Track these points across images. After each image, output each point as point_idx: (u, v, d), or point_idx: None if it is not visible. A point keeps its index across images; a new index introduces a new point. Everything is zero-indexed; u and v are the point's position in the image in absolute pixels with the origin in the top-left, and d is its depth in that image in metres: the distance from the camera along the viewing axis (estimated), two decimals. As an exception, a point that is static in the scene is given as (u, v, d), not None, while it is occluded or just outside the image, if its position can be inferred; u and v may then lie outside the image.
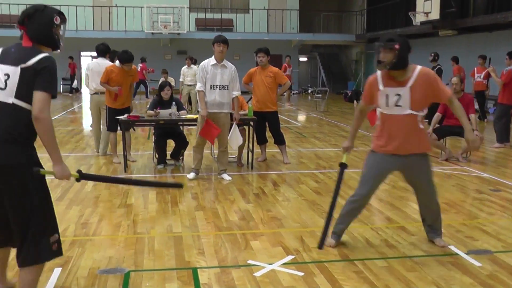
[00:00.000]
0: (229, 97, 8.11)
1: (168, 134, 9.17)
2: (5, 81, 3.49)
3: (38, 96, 3.42)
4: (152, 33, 28.29)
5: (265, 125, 9.56)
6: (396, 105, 4.83)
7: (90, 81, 10.07)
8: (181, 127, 9.56)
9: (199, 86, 8.08)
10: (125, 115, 8.80)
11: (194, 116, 8.89)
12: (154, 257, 4.99)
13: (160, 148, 9.11)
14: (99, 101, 9.88)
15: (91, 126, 10.87)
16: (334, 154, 10.62)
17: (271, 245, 5.31)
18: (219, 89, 8.01)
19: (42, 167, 3.65)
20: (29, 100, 3.45)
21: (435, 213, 5.31)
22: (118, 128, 9.14)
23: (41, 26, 3.62)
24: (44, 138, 3.49)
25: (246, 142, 9.24)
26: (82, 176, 3.85)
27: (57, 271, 4.65)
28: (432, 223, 5.37)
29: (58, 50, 3.77)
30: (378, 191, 7.66)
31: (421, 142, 4.95)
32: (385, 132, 4.98)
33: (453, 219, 6.27)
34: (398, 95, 4.80)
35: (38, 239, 3.63)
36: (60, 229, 5.69)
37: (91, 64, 10.24)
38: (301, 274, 4.59)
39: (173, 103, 9.01)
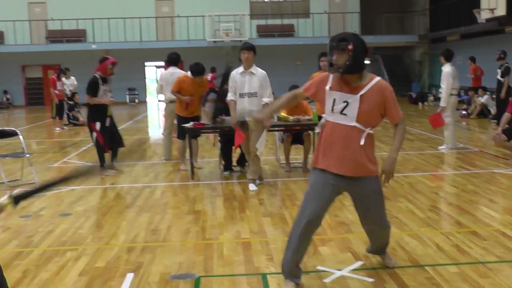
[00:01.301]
0: (259, 104, 7.93)
1: (233, 141, 9.25)
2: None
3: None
4: (214, 41, 28.63)
5: None
6: (342, 113, 4.19)
7: (164, 91, 10.32)
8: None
9: (229, 96, 8.07)
10: (191, 123, 8.95)
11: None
12: (223, 263, 5.05)
13: (225, 155, 9.22)
14: (173, 109, 10.09)
15: (162, 134, 11.12)
16: (400, 158, 10.46)
17: (339, 251, 5.29)
18: (248, 97, 7.92)
19: None
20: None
21: (382, 245, 4.77)
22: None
23: None
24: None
25: (311, 147, 9.22)
26: (16, 200, 3.24)
27: (130, 276, 4.79)
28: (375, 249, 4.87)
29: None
30: (447, 194, 7.57)
31: (359, 164, 4.21)
32: (323, 144, 4.32)
33: (527, 223, 6.09)
34: (346, 102, 4.17)
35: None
36: (131, 236, 5.92)
37: (164, 74, 10.50)
38: (371, 280, 4.56)
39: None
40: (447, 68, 10.96)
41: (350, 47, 4.11)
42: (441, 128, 11.42)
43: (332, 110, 4.21)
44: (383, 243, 4.75)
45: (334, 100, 4.20)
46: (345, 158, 4.19)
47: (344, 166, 4.20)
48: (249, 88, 7.90)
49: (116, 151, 9.49)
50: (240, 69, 7.99)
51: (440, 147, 11.26)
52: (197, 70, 9.23)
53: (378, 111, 4.23)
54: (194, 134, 9.14)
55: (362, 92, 4.14)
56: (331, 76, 4.27)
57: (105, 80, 9.21)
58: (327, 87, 4.25)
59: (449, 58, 11.06)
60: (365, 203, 4.44)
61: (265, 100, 7.96)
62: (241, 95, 7.93)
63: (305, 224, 4.28)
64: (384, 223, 4.62)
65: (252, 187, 8.09)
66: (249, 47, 7.89)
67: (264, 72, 8.06)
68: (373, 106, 4.17)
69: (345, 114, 4.16)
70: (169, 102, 10.25)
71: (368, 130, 4.20)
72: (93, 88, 9.10)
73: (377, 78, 4.25)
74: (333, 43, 4.16)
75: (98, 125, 9.13)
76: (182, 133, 9.47)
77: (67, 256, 5.34)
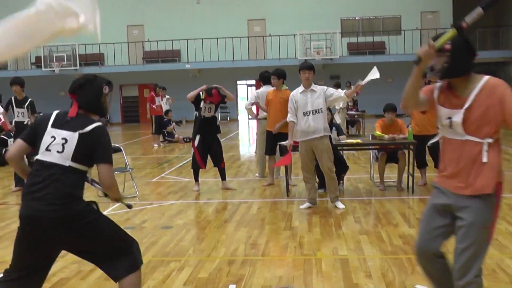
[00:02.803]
0: (324, 121, 8.03)
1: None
2: (63, 145, 3.71)
3: (104, 168, 3.72)
4: (305, 60, 28.83)
5: (425, 149, 9.45)
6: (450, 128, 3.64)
7: (259, 108, 10.67)
8: (341, 152, 9.70)
9: (288, 117, 8.22)
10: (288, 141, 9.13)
11: (355, 141, 9.03)
12: (322, 278, 5.16)
13: (320, 172, 9.30)
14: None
15: (255, 152, 11.44)
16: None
17: (438, 270, 5.27)
18: (313, 114, 7.97)
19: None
20: (85, 163, 3.73)
21: None
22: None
23: (92, 96, 3.86)
24: (111, 191, 3.86)
25: (406, 166, 9.18)
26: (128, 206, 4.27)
27: (232, 287, 4.97)
28: None
29: (105, 117, 4.03)
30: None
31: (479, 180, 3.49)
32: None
33: None
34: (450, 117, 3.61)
35: (123, 256, 3.80)
36: (231, 249, 6.13)
37: (259, 92, 10.81)
38: (473, 299, 4.53)
39: (333, 128, 9.21)
40: None
41: (447, 47, 3.56)
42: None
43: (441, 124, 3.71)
44: None
45: (440, 115, 3.71)
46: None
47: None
48: (313, 106, 7.99)
49: (221, 169, 9.81)
50: (300, 88, 8.14)
51: None
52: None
53: (493, 116, 3.44)
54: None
55: (467, 104, 3.48)
56: (436, 85, 3.77)
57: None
58: (435, 97, 3.77)
59: None
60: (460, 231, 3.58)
61: (340, 92, 8.36)
62: (305, 114, 8.01)
63: (415, 252, 3.84)
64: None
65: (340, 205, 8.12)
66: (309, 67, 8.09)
67: (322, 86, 8.26)
68: (484, 112, 3.45)
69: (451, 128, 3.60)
70: (263, 119, 10.50)
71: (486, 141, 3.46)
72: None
73: (486, 78, 3.52)
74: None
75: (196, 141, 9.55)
76: (271, 149, 9.74)
77: (171, 266, 5.60)
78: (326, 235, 6.68)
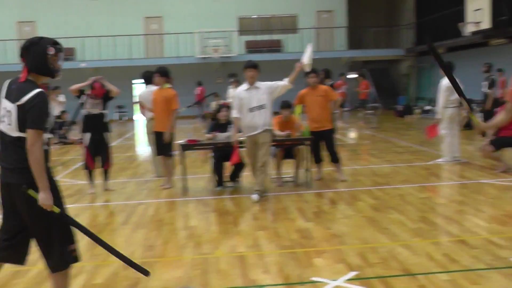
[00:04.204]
0: (269, 115, 8.42)
1: (226, 156, 9.38)
2: (9, 117, 3.90)
3: (29, 134, 3.81)
4: (203, 58, 28.83)
5: (320, 144, 9.69)
6: None
7: (145, 109, 10.42)
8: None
9: (234, 113, 8.52)
10: (185, 139, 9.08)
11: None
12: (221, 276, 5.16)
13: (218, 170, 9.33)
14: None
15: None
16: (390, 170, 10.63)
17: (333, 262, 5.41)
18: (258, 109, 8.33)
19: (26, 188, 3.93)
20: None
21: None
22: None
23: (37, 58, 3.93)
24: (33, 168, 3.84)
25: (304, 161, 9.36)
26: (61, 216, 4.10)
27: (129, 292, 4.88)
28: None
29: (56, 78, 4.06)
30: (436, 205, 7.73)
31: None
32: None
33: (515, 231, 6.25)
34: None
35: (62, 248, 4.07)
36: (128, 252, 5.98)
37: (142, 93, 10.61)
38: (365, 289, 4.69)
39: (231, 125, 9.24)
40: (445, 81, 11.06)
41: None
42: (436, 140, 11.64)
43: None
44: None
45: None
46: None
47: None
48: (258, 101, 8.34)
49: (105, 171, 9.54)
50: (245, 86, 8.47)
51: (438, 160, 11.36)
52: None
53: None
54: (186, 150, 9.24)
55: None
56: None
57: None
58: None
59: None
60: None
61: (284, 82, 8.51)
62: (251, 110, 8.33)
63: None
64: None
65: (255, 197, 8.32)
66: (253, 65, 8.46)
67: (265, 82, 8.53)
68: None
69: None
70: (151, 119, 10.32)
71: None
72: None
73: None
74: None
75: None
76: (161, 150, 9.65)
77: (65, 273, 5.41)
78: (224, 233, 6.69)
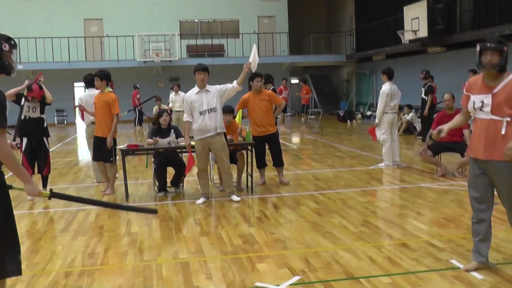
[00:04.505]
0: (220, 118, 8.43)
1: (168, 161, 9.29)
2: None
3: None
4: (144, 61, 28.52)
5: (265, 149, 9.72)
6: (481, 110, 4.85)
7: (85, 113, 10.15)
8: (180, 154, 9.67)
9: (185, 117, 8.49)
10: (125, 144, 8.92)
11: (193, 143, 9.02)
12: (163, 283, 5.08)
13: (160, 175, 9.21)
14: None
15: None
16: (331, 175, 10.75)
17: (276, 267, 5.41)
18: (208, 112, 8.32)
19: (10, 186, 3.94)
20: None
21: None
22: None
23: None
24: (7, 166, 3.77)
25: (245, 166, 9.35)
26: (53, 195, 4.15)
27: (69, 301, 4.74)
28: None
29: (12, 75, 3.97)
30: (377, 209, 7.85)
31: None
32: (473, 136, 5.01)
33: (453, 234, 6.39)
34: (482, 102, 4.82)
35: (4, 255, 3.86)
36: (68, 260, 5.85)
37: (83, 97, 10.35)
38: (309, 294, 4.69)
39: (172, 130, 9.15)
40: (385, 87, 11.26)
41: (505, 48, 4.70)
42: (376, 144, 11.84)
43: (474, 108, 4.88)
44: None
45: (474, 102, 4.89)
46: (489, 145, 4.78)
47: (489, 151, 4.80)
48: (208, 105, 8.34)
49: (44, 177, 9.30)
50: (195, 89, 8.44)
51: (379, 164, 11.55)
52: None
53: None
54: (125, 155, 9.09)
55: (495, 90, 4.73)
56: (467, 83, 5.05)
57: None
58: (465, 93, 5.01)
59: (390, 76, 11.35)
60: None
61: (234, 84, 8.51)
62: (202, 113, 8.32)
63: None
64: None
65: (235, 197, 8.50)
66: (204, 68, 8.44)
67: (215, 86, 8.52)
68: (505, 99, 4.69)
69: (482, 110, 4.81)
70: (91, 123, 10.12)
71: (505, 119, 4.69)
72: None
73: None
74: (491, 45, 4.71)
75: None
76: (98, 155, 9.44)
77: (1, 283, 5.22)
78: (167, 239, 6.60)
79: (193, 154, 8.58)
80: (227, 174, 8.58)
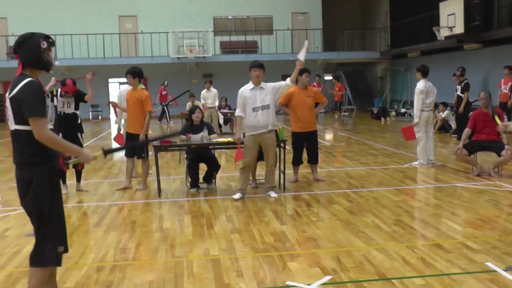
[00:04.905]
0: (273, 116, 8.49)
1: (200, 157, 9.30)
2: (8, 111, 4.01)
3: (32, 123, 3.88)
4: (178, 58, 28.64)
5: (303, 146, 9.71)
6: None
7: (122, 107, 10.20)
8: (213, 151, 9.68)
9: (237, 112, 8.51)
10: (158, 140, 8.96)
11: (225, 140, 9.03)
12: (194, 280, 5.08)
13: (193, 172, 9.23)
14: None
15: None
16: (365, 173, 10.64)
17: (308, 266, 5.36)
18: (261, 109, 8.38)
19: (66, 163, 4.28)
20: (26, 122, 3.90)
21: None
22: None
23: (31, 52, 4.01)
24: (54, 147, 4.03)
25: (278, 163, 9.30)
26: (105, 152, 4.47)
27: (100, 296, 4.77)
28: None
29: (51, 71, 4.18)
30: (411, 208, 7.74)
31: None
32: None
33: (488, 235, 6.26)
34: None
35: (44, 245, 4.09)
36: (100, 255, 5.90)
37: (121, 90, 10.43)
38: (340, 294, 4.64)
39: (205, 127, 9.16)
40: (420, 84, 11.11)
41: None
42: (410, 142, 11.70)
43: None
44: None
45: None
46: None
47: None
48: (262, 102, 8.40)
49: (78, 171, 9.39)
50: (250, 85, 8.49)
51: (413, 163, 11.40)
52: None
53: None
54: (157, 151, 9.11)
55: None
56: None
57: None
58: None
59: (425, 74, 11.20)
60: None
61: (287, 82, 8.58)
62: (255, 109, 8.38)
63: None
64: None
65: (273, 194, 8.63)
66: (260, 65, 8.47)
67: (270, 83, 8.62)
68: None
69: None
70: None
71: None
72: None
73: None
74: None
75: None
76: (129, 151, 9.55)
77: (35, 277, 5.28)
78: (198, 235, 6.60)
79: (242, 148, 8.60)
80: (271, 171, 8.67)
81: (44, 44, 4.03)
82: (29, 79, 3.94)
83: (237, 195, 8.52)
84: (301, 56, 8.64)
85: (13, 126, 3.98)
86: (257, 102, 8.37)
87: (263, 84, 8.49)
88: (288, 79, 8.57)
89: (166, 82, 24.29)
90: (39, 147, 3.94)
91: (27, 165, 3.97)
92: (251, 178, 9.49)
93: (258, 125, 8.37)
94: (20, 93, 3.89)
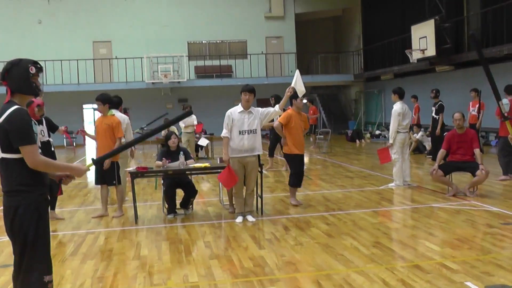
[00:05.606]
0: (259, 140, 8.58)
1: (177, 183, 9.25)
2: None
3: (23, 151, 3.84)
4: (153, 83, 28.62)
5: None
6: None
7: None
8: (190, 176, 9.62)
9: (224, 133, 8.54)
10: (134, 167, 8.89)
11: (202, 165, 9.00)
12: (173, 308, 5.01)
13: (170, 198, 9.16)
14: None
15: None
16: (341, 196, 10.67)
17: (288, 291, 5.33)
18: (248, 133, 8.45)
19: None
20: (13, 151, 3.85)
21: None
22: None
23: (19, 78, 3.99)
24: (48, 171, 4.08)
25: (255, 188, 9.27)
26: (95, 162, 4.45)
27: (78, 327, 4.67)
28: None
29: (38, 97, 4.16)
30: (389, 230, 7.76)
31: None
32: None
33: (467, 255, 6.30)
34: None
35: (30, 274, 3.94)
36: (77, 284, 5.79)
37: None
38: (321, 318, 4.61)
39: (181, 152, 9.12)
40: (396, 106, 11.23)
41: None
42: (386, 164, 11.79)
43: None
44: None
45: None
46: None
47: None
48: (249, 126, 8.48)
49: (53, 199, 9.24)
50: (239, 108, 8.55)
51: (389, 184, 11.46)
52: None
53: None
54: (135, 177, 9.04)
55: None
56: None
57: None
58: None
59: (401, 96, 11.36)
60: None
61: (276, 108, 8.75)
62: (241, 132, 8.45)
63: None
64: None
65: (250, 218, 8.64)
66: (250, 90, 8.57)
67: (258, 108, 8.79)
68: None
69: None
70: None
71: None
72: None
73: None
74: None
75: None
76: (100, 178, 9.41)
77: (9, 308, 5.18)
78: (176, 262, 6.53)
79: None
80: (250, 195, 8.75)
81: (32, 70, 4.04)
82: (16, 106, 3.89)
83: (239, 219, 8.58)
84: (292, 83, 8.86)
85: (0, 154, 3.94)
86: (245, 126, 8.45)
87: (252, 109, 8.56)
88: (276, 106, 8.73)
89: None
90: (26, 175, 3.89)
91: (16, 192, 3.90)
92: (227, 203, 9.46)
93: (243, 149, 8.44)
94: (7, 122, 3.82)
